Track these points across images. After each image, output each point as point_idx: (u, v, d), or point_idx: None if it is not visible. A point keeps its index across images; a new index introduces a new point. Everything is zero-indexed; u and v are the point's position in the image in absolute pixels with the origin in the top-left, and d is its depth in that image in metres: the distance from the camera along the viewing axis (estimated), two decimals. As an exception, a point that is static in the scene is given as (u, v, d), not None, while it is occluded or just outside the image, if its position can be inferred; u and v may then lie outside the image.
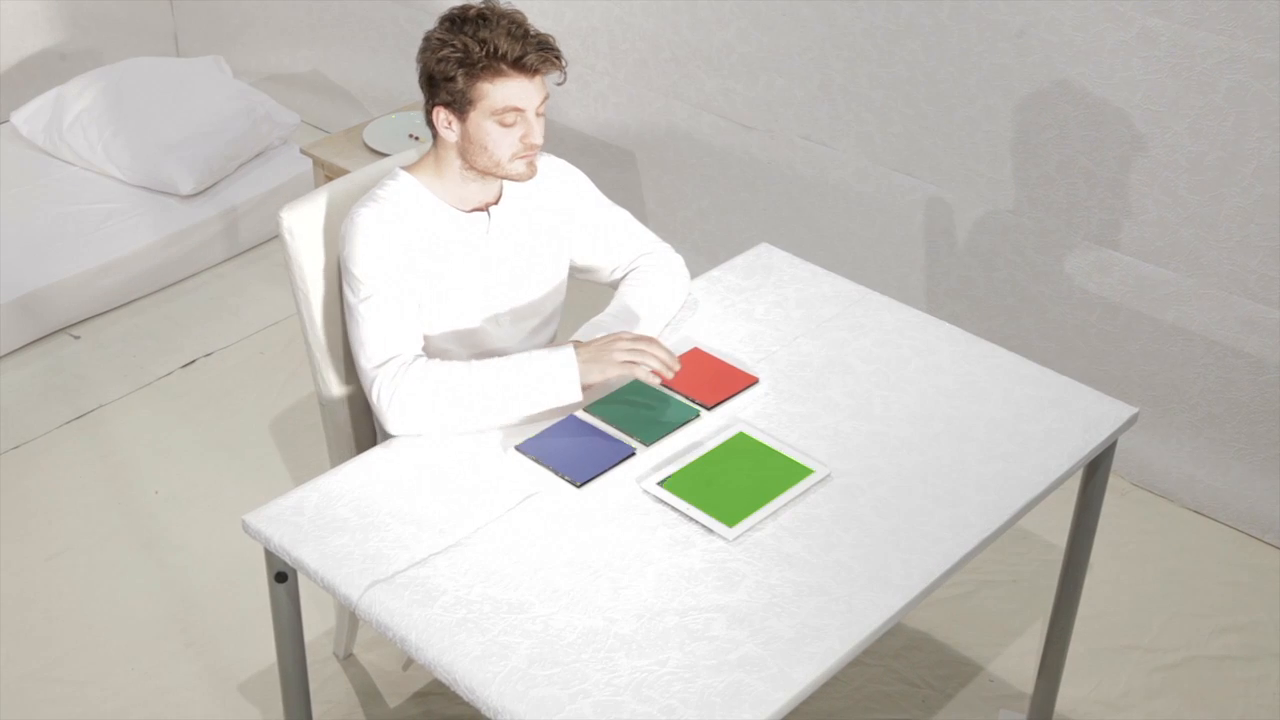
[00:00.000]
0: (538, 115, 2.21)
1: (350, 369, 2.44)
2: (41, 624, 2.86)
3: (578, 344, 2.21)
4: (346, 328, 2.28)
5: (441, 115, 2.21)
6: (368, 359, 2.20)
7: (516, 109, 2.17)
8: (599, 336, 2.24)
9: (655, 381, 2.18)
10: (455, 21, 2.19)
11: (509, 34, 2.16)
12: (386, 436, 2.43)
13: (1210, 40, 2.85)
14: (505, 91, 2.16)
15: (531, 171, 2.25)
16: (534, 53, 2.16)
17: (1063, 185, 3.16)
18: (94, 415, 3.45)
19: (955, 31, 3.17)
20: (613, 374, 2.17)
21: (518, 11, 2.20)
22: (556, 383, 2.17)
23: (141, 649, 2.81)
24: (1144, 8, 2.90)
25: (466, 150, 2.22)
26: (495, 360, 2.20)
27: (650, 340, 2.19)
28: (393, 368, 2.17)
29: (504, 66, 2.15)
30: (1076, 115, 3.08)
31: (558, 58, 2.20)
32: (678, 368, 2.20)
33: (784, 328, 2.44)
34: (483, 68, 2.15)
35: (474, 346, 2.34)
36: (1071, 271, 3.23)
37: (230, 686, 2.73)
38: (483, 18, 2.18)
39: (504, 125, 2.19)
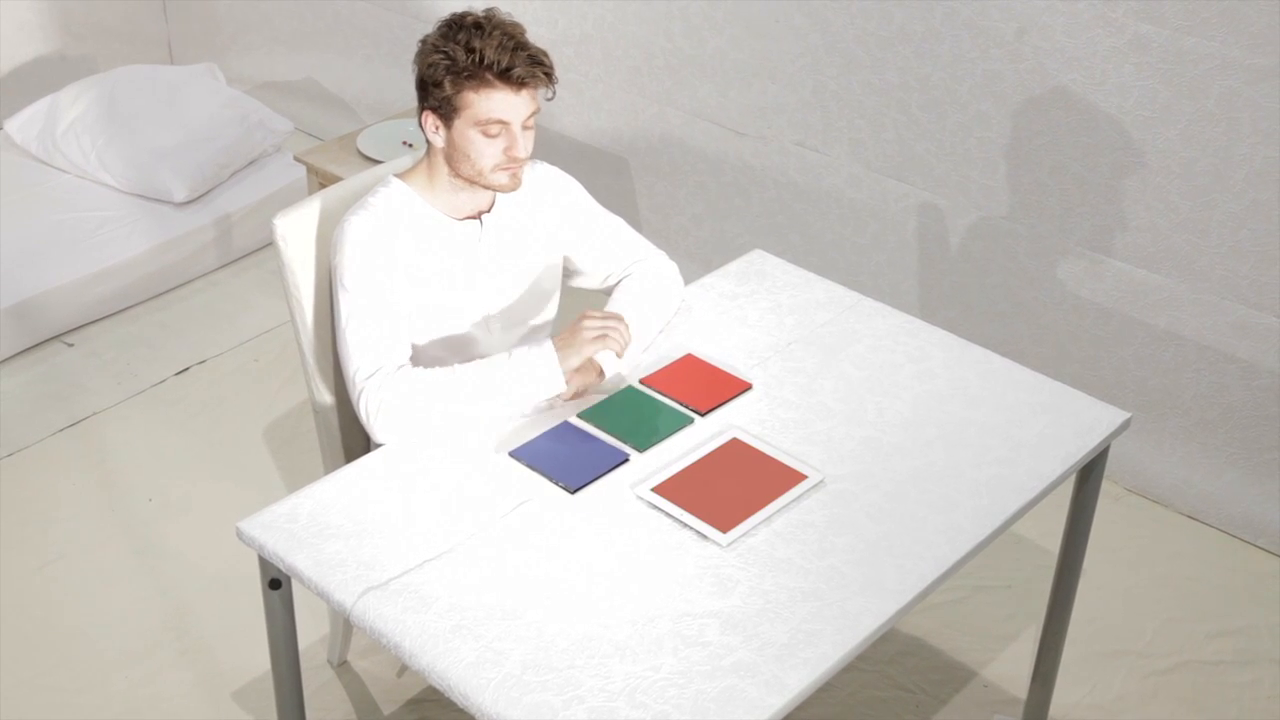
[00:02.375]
0: (524, 128, 2.20)
1: (341, 375, 2.44)
2: (35, 632, 2.86)
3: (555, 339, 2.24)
4: (335, 336, 2.28)
5: (430, 120, 2.22)
6: (355, 370, 2.20)
7: (501, 121, 2.17)
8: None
9: (622, 361, 2.24)
10: (451, 27, 2.19)
11: (500, 45, 2.15)
12: (379, 444, 2.43)
13: (1202, 46, 2.86)
14: (490, 103, 2.16)
15: (514, 183, 2.24)
16: (522, 66, 2.16)
17: (1055, 191, 3.17)
18: (87, 423, 3.45)
19: (948, 38, 3.18)
20: (588, 353, 2.20)
21: (516, 24, 2.20)
22: (538, 374, 2.19)
23: (135, 657, 2.80)
24: (1136, 14, 2.91)
25: (451, 157, 2.22)
26: (476, 362, 2.21)
27: (618, 317, 2.23)
28: (379, 379, 2.18)
29: (490, 77, 2.15)
30: (1069, 121, 3.09)
31: (547, 73, 2.19)
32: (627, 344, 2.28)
33: (777, 334, 2.45)
34: (468, 76, 2.15)
35: (466, 353, 2.34)
36: (1064, 277, 3.24)
37: (224, 694, 2.73)
38: (478, 26, 2.17)
39: (488, 136, 2.18)
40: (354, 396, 2.20)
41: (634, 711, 1.73)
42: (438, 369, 2.20)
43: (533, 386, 2.19)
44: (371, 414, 2.17)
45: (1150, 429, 3.25)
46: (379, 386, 2.17)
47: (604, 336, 2.20)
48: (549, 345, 2.20)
